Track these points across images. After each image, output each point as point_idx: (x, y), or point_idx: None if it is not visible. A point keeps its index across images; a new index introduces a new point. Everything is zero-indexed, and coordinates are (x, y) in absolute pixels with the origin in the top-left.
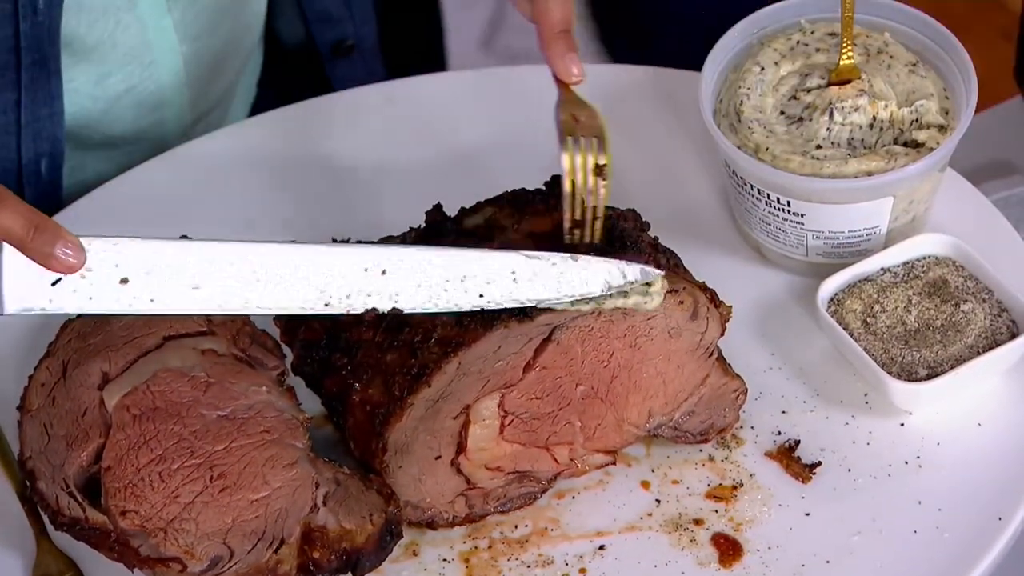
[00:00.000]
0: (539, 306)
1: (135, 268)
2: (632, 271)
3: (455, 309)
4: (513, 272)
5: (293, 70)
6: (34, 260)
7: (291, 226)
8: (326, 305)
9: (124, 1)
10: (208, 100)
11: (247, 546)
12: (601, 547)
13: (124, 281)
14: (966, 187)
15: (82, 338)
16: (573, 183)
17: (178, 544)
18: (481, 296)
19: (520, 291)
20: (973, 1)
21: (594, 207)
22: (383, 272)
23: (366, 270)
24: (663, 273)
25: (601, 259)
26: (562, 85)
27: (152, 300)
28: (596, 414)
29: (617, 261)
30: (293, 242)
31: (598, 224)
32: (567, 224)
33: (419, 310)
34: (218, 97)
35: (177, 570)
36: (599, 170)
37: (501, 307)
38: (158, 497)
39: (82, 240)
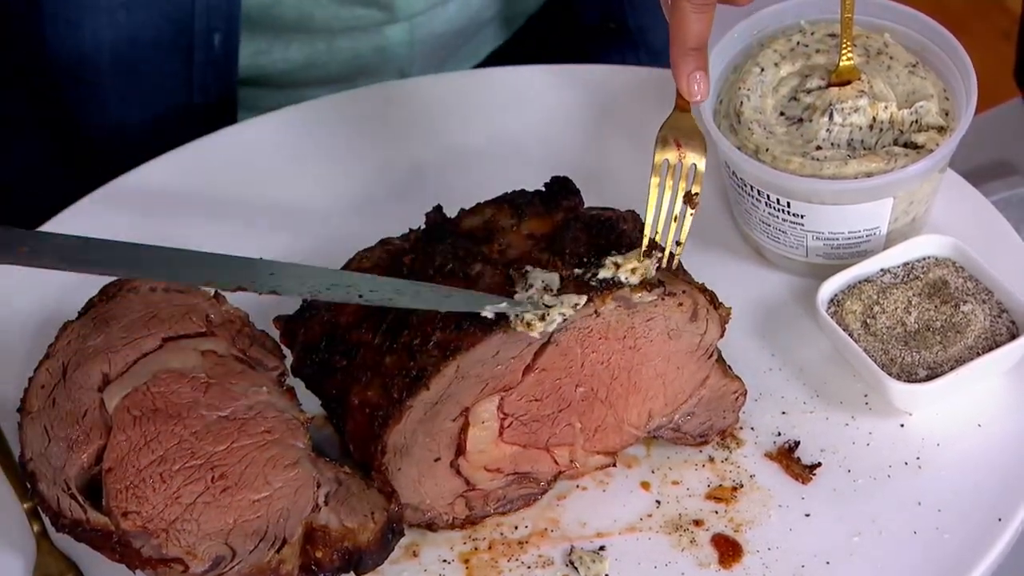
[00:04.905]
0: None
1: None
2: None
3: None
4: (396, 290)
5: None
6: None
7: (290, 227)
8: (207, 283)
9: None
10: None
11: (249, 546)
12: (601, 548)
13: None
14: (966, 188)
15: (82, 340)
16: (658, 206)
17: (180, 545)
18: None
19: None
20: (973, 2)
21: (678, 237)
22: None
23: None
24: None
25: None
26: (680, 101)
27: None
28: (596, 415)
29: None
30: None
31: (679, 249)
32: (644, 246)
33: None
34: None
35: (179, 571)
36: (689, 198)
37: None
38: (159, 498)
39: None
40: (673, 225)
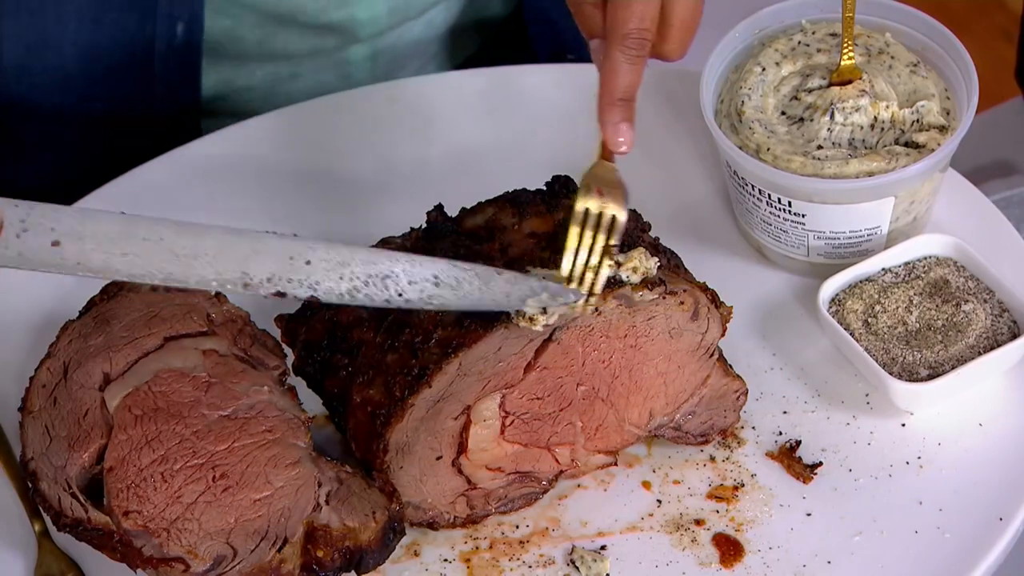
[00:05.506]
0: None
1: (68, 233)
2: (557, 293)
3: (370, 304)
4: (435, 276)
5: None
6: None
7: (291, 226)
8: (245, 286)
9: None
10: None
11: (250, 545)
12: (602, 547)
13: (56, 244)
14: (967, 187)
15: (83, 339)
16: (575, 253)
17: (181, 544)
18: (400, 295)
19: (440, 295)
20: (973, 1)
21: (592, 282)
22: (307, 262)
23: (291, 258)
24: (583, 297)
25: (526, 277)
26: (605, 151)
27: (78, 263)
28: (597, 414)
29: (544, 282)
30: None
31: (592, 300)
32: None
33: (335, 300)
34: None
35: (180, 570)
36: (607, 249)
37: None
38: (161, 497)
39: (21, 204)
40: (589, 276)
